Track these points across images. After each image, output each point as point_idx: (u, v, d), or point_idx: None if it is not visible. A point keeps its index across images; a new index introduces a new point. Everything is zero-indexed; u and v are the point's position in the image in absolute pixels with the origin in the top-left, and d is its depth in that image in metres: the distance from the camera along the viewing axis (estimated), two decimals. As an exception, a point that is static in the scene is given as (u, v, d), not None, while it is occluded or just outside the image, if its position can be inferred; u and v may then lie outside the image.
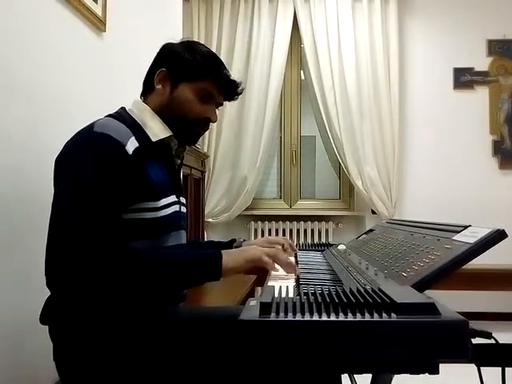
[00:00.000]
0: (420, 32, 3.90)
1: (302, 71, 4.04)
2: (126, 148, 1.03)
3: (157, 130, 1.14)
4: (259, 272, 1.11)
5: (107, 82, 1.80)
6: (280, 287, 0.73)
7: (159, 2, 2.38)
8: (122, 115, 1.14)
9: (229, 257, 1.04)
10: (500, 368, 0.72)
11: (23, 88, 1.30)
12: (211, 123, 1.23)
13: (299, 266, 1.23)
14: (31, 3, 1.35)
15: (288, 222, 3.85)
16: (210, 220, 3.76)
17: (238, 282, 2.65)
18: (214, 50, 4.32)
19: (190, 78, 1.15)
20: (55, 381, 1.25)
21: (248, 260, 1.06)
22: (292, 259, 1.35)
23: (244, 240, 1.45)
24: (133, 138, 1.06)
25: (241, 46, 3.78)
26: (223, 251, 1.05)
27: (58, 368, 1.06)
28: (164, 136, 1.14)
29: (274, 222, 3.85)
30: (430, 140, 3.84)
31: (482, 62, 3.83)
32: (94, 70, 1.70)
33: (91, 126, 1.06)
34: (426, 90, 3.86)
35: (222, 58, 3.70)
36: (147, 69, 1.22)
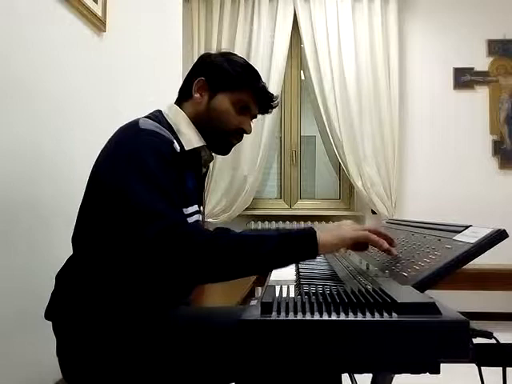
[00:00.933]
0: (420, 32, 3.90)
1: (301, 71, 4.04)
2: (174, 145, 1.05)
3: (191, 138, 1.13)
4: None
5: (107, 81, 1.80)
6: (281, 287, 0.73)
7: (159, 2, 2.38)
8: (158, 118, 1.13)
9: (324, 232, 0.95)
10: (501, 368, 0.72)
11: (23, 88, 1.30)
12: (245, 135, 1.22)
13: (299, 265, 1.23)
14: (31, 3, 1.35)
15: (288, 222, 3.84)
16: (210, 220, 3.76)
17: (238, 281, 2.64)
18: (214, 50, 4.28)
19: (229, 88, 1.16)
20: (58, 377, 1.25)
21: (349, 238, 0.96)
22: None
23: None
24: (173, 140, 1.07)
25: (241, 46, 3.78)
26: (317, 226, 0.99)
27: (61, 363, 1.06)
28: (197, 145, 1.14)
29: (273, 222, 3.85)
30: (430, 140, 3.84)
31: (482, 61, 3.83)
32: (93, 70, 1.70)
33: (135, 123, 1.05)
34: (426, 90, 3.86)
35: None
36: (184, 77, 1.22)
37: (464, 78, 3.84)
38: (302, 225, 3.84)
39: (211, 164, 3.95)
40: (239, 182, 3.77)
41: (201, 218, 1.23)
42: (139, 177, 0.96)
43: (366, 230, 0.98)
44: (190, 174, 1.13)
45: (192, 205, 1.11)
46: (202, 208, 1.24)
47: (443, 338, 0.58)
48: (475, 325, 0.63)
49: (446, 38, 3.86)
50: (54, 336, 1.06)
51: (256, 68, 1.22)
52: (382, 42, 3.73)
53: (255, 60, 3.76)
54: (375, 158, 3.74)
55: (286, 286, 0.82)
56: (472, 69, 3.83)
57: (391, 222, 1.52)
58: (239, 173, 3.77)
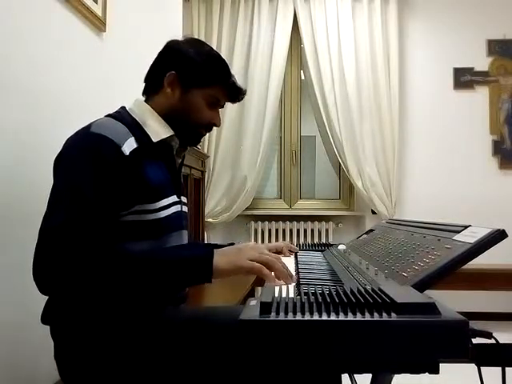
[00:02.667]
0: (420, 32, 3.90)
1: (301, 71, 4.04)
2: (123, 149, 1.02)
3: (158, 129, 1.13)
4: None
5: (107, 81, 1.80)
6: (280, 287, 0.73)
7: (159, 2, 2.39)
8: (121, 115, 1.13)
9: (222, 257, 0.97)
10: (500, 368, 0.72)
11: (23, 88, 1.30)
12: (215, 127, 1.23)
13: (299, 265, 1.23)
14: (31, 3, 1.35)
15: (288, 222, 3.85)
16: (210, 220, 3.76)
17: (238, 282, 2.65)
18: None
19: (201, 84, 1.15)
20: (55, 380, 1.25)
21: (244, 268, 0.97)
22: (291, 260, 1.35)
23: None
24: (132, 138, 1.06)
25: (241, 46, 3.78)
26: (217, 250, 0.99)
27: (59, 366, 1.06)
28: (165, 136, 1.14)
29: (274, 222, 3.85)
30: (430, 140, 3.84)
31: (482, 61, 3.83)
32: (94, 70, 1.70)
33: (89, 126, 1.06)
34: (426, 89, 3.86)
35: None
36: (150, 65, 1.21)
37: (464, 78, 3.84)
38: (302, 225, 3.84)
39: (211, 164, 3.96)
40: (239, 182, 3.77)
41: (184, 209, 1.22)
42: (62, 182, 1.00)
43: (265, 256, 0.98)
44: (159, 166, 1.11)
45: (167, 196, 1.10)
46: (183, 198, 1.23)
47: (443, 338, 0.58)
48: (475, 325, 0.63)
49: (446, 37, 3.86)
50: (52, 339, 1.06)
51: (225, 59, 1.20)
52: (381, 42, 3.73)
53: (255, 60, 3.77)
54: (375, 158, 3.74)
55: (285, 286, 0.82)
56: (472, 69, 3.83)
57: (391, 221, 1.52)
58: (239, 173, 3.77)
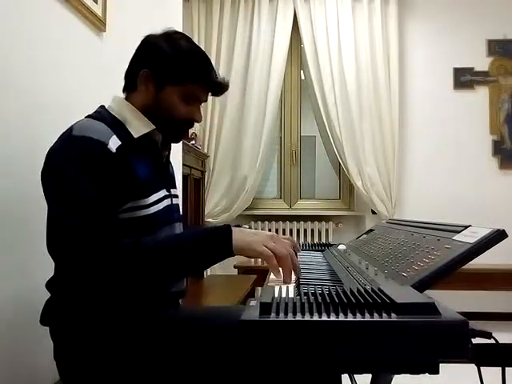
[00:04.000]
0: (420, 32, 3.90)
1: (302, 71, 4.04)
2: (109, 146, 1.01)
3: (138, 125, 1.12)
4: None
5: (107, 81, 1.80)
6: (280, 287, 0.73)
7: (159, 2, 2.38)
8: (101, 114, 1.12)
9: (239, 234, 1.00)
10: (500, 368, 0.72)
11: (23, 88, 1.30)
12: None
13: (299, 265, 1.22)
14: (31, 3, 1.35)
15: (288, 222, 3.85)
16: (209, 220, 3.76)
17: (238, 281, 2.65)
18: (214, 50, 4.27)
19: (176, 81, 1.13)
20: (55, 380, 1.25)
21: (257, 251, 1.00)
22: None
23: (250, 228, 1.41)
24: (114, 136, 1.04)
25: (241, 46, 3.78)
26: (234, 228, 1.02)
27: (59, 367, 1.06)
28: (146, 131, 1.12)
29: (274, 222, 3.85)
30: (430, 140, 3.84)
31: (482, 62, 3.83)
32: (93, 70, 1.70)
33: (70, 130, 1.04)
34: (426, 90, 3.86)
35: (222, 58, 3.67)
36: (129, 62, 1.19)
37: (464, 78, 3.84)
38: (302, 225, 3.84)
39: (211, 164, 3.96)
40: (239, 182, 3.77)
41: (175, 201, 1.22)
42: (60, 189, 0.99)
43: (280, 249, 1.00)
44: (145, 162, 1.11)
45: (156, 191, 1.10)
46: (174, 190, 1.23)
47: (442, 338, 0.58)
48: (474, 325, 0.63)
49: (446, 38, 3.86)
50: (51, 340, 1.06)
51: (204, 52, 1.18)
52: (381, 42, 3.73)
53: (255, 60, 3.77)
54: (375, 158, 3.74)
55: (285, 287, 0.82)
56: (472, 69, 3.83)
57: (391, 221, 1.52)
58: (239, 173, 3.77)
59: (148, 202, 1.06)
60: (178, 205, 1.24)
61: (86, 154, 0.99)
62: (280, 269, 1.00)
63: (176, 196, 1.24)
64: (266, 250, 0.99)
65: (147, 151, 1.13)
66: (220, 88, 1.20)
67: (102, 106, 1.16)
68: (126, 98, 1.18)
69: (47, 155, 1.06)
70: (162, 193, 1.13)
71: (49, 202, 1.02)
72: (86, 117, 1.12)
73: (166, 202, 1.14)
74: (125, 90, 1.20)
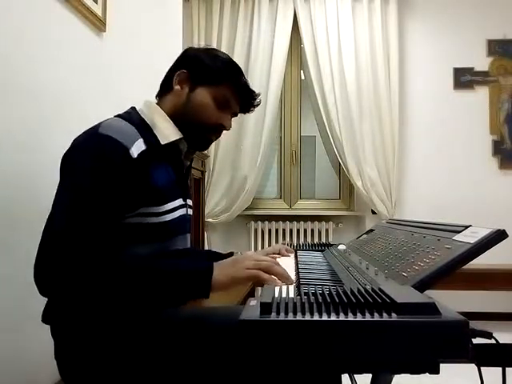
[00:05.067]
0: (420, 32, 3.90)
1: (302, 71, 4.04)
2: (131, 151, 1.00)
3: (167, 131, 1.12)
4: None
5: (107, 81, 1.80)
6: (280, 287, 0.73)
7: (159, 2, 2.38)
8: (131, 115, 1.12)
9: (220, 271, 0.96)
10: (500, 368, 0.72)
11: (23, 88, 1.30)
12: (224, 131, 1.22)
13: (299, 265, 1.23)
14: (31, 3, 1.35)
15: (288, 222, 3.85)
16: (210, 220, 3.76)
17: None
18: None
19: (210, 81, 1.15)
20: (56, 380, 1.25)
21: (243, 278, 0.97)
22: (292, 260, 1.35)
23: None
24: (140, 140, 1.04)
25: (241, 46, 3.78)
26: (215, 264, 0.98)
27: (59, 366, 1.06)
28: (174, 139, 1.12)
29: (274, 222, 3.85)
30: (430, 140, 3.84)
31: (482, 61, 3.83)
32: (93, 70, 1.70)
33: (98, 126, 1.04)
34: (426, 90, 3.86)
35: (222, 57, 3.54)
36: (166, 71, 1.22)
37: (464, 78, 3.84)
38: (302, 225, 3.83)
39: (211, 164, 3.96)
40: (239, 182, 3.77)
41: (189, 212, 1.22)
42: (67, 184, 0.99)
43: (261, 262, 0.98)
44: (166, 169, 1.10)
45: (173, 200, 1.09)
46: (189, 201, 1.23)
47: (443, 338, 0.58)
48: (475, 325, 0.63)
49: (446, 38, 3.86)
50: (52, 339, 1.06)
51: (239, 65, 1.21)
52: (381, 42, 3.73)
53: (255, 60, 3.76)
54: (375, 158, 3.74)
55: (285, 286, 0.81)
56: (472, 69, 3.83)
57: (391, 221, 1.52)
58: (239, 173, 3.77)
59: (162, 209, 1.05)
60: (191, 215, 1.24)
61: (105, 154, 0.99)
62: (274, 277, 0.97)
63: (191, 207, 1.25)
64: (250, 271, 0.97)
65: (170, 159, 1.13)
66: (250, 97, 1.21)
67: (133, 108, 1.17)
68: (158, 104, 1.19)
69: (71, 144, 1.05)
70: (178, 202, 1.12)
71: (57, 189, 1.02)
72: (115, 116, 1.12)
73: (182, 212, 1.14)
74: (158, 95, 1.21)
